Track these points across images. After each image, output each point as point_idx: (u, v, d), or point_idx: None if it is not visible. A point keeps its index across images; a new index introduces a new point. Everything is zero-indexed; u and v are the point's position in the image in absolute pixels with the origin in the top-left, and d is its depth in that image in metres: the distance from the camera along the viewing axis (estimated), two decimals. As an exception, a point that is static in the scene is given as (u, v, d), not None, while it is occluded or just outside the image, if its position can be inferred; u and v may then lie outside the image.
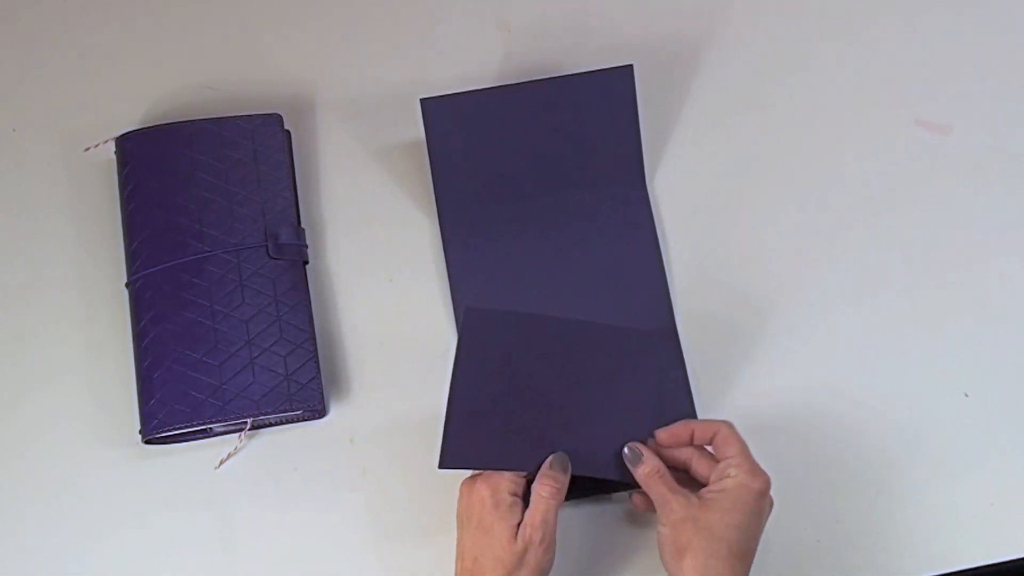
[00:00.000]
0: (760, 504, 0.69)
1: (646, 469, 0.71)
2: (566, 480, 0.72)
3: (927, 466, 0.79)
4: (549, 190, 0.84)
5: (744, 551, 0.69)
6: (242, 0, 0.91)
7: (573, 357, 0.74)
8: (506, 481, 0.71)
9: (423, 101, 0.81)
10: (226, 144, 0.83)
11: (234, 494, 0.79)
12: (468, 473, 0.73)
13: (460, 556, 0.71)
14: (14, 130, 0.88)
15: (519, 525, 0.70)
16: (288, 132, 0.86)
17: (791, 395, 0.81)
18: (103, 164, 0.85)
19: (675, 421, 0.73)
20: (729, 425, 0.72)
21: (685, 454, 0.72)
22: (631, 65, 0.82)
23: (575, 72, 0.83)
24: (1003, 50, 0.90)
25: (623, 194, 0.85)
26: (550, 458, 0.72)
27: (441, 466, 0.71)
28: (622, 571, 0.77)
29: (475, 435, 0.72)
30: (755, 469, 0.70)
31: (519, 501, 0.71)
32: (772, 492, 0.70)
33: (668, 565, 0.69)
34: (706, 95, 0.89)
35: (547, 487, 0.71)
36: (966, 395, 0.81)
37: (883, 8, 0.91)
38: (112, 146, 0.84)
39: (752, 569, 0.72)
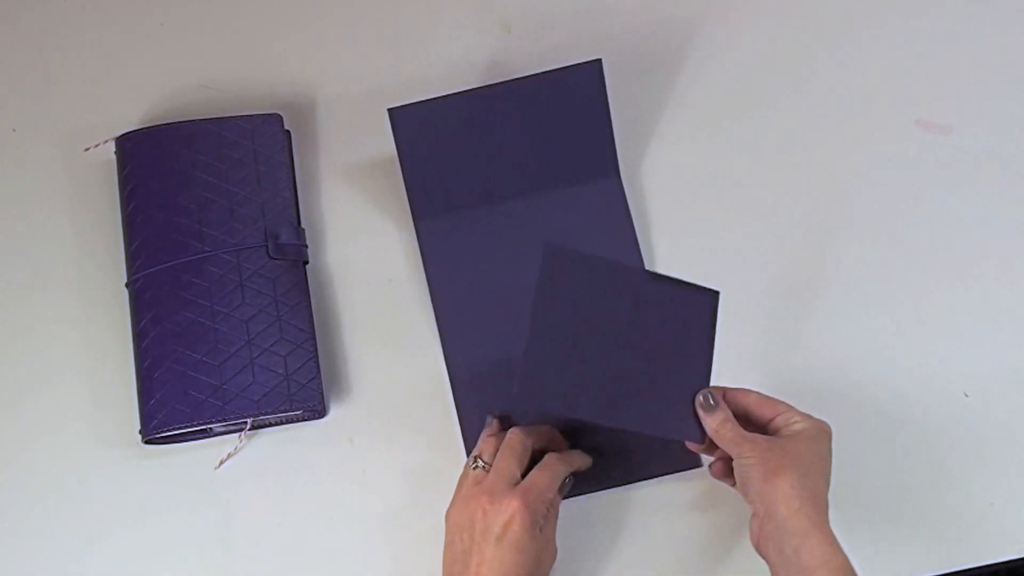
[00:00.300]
0: (830, 446, 0.71)
1: (721, 416, 0.71)
2: None
3: (927, 466, 0.79)
4: (524, 190, 0.84)
5: (827, 479, 0.70)
6: (242, 0, 0.91)
7: (640, 308, 0.72)
8: (541, 498, 0.70)
9: (390, 111, 0.80)
10: (226, 144, 0.83)
11: (234, 494, 0.79)
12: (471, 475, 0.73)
13: (471, 569, 0.69)
14: (14, 130, 0.88)
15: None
16: (288, 132, 0.86)
17: (777, 395, 0.80)
18: (103, 164, 0.85)
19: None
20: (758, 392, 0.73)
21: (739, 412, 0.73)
22: (599, 59, 0.82)
23: (545, 71, 0.82)
24: (1003, 50, 0.90)
25: (598, 189, 0.84)
26: (568, 479, 0.74)
27: (518, 399, 0.69)
28: (626, 563, 0.78)
29: (550, 375, 0.70)
30: (816, 418, 0.71)
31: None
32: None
33: (757, 488, 0.68)
34: (706, 93, 0.88)
35: (559, 502, 0.72)
36: (966, 395, 0.81)
37: (883, 8, 0.91)
38: (112, 146, 0.84)
39: (739, 569, 0.75)
